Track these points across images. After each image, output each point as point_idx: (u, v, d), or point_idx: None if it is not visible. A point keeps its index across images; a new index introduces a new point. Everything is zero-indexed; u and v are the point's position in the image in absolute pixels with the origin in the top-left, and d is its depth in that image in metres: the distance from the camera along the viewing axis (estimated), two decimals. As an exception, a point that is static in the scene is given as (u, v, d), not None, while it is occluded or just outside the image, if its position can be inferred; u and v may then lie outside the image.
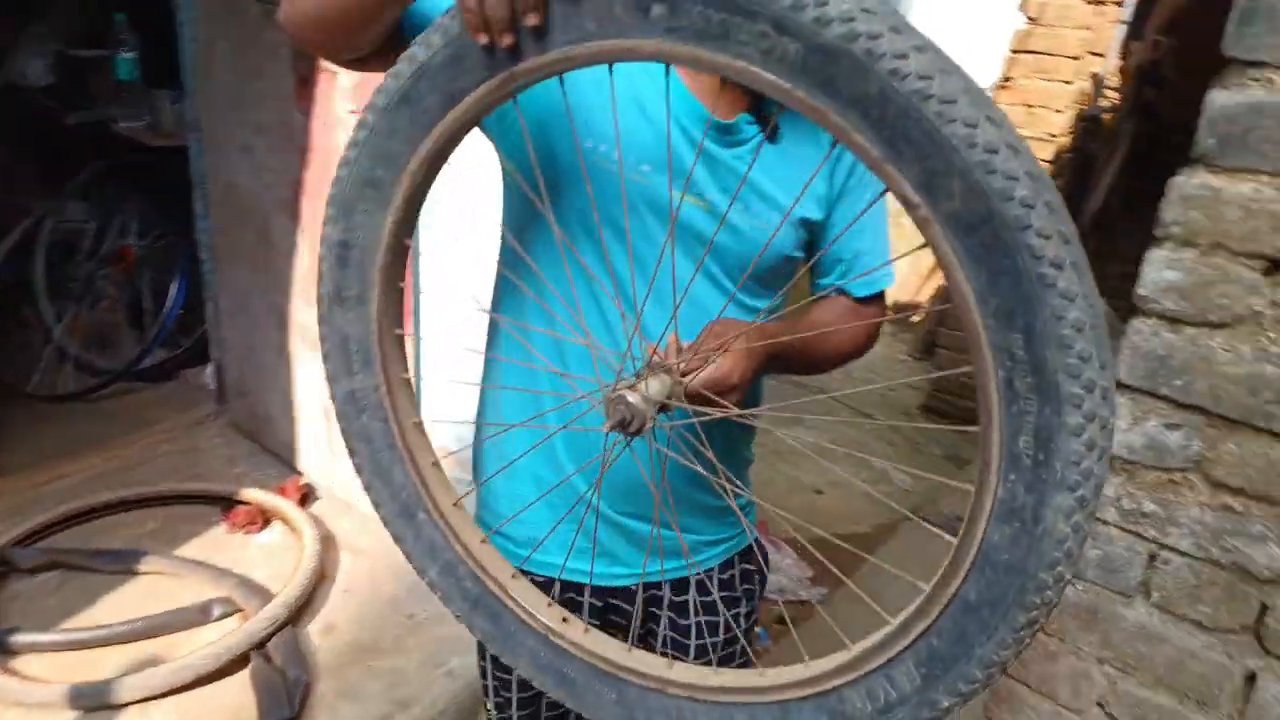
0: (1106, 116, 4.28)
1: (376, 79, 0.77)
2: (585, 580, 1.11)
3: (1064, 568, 0.62)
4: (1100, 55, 4.27)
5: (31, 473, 2.80)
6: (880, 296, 1.12)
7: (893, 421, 4.21)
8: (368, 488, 0.89)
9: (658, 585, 1.16)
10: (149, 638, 2.14)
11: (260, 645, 2.09)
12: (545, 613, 0.89)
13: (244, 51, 2.64)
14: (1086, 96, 4.31)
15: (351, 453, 0.88)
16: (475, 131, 0.78)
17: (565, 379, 1.01)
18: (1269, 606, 1.24)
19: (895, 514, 3.22)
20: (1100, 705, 1.45)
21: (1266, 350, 1.21)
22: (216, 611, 2.22)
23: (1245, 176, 1.19)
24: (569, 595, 1.12)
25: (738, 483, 1.03)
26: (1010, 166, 0.54)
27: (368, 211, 0.77)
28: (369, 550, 2.56)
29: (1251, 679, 1.27)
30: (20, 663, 2.03)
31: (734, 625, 1.17)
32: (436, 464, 0.88)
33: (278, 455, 3.04)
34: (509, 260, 1.07)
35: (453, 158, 0.78)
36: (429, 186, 0.78)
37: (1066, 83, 4.29)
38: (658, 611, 1.18)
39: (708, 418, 0.84)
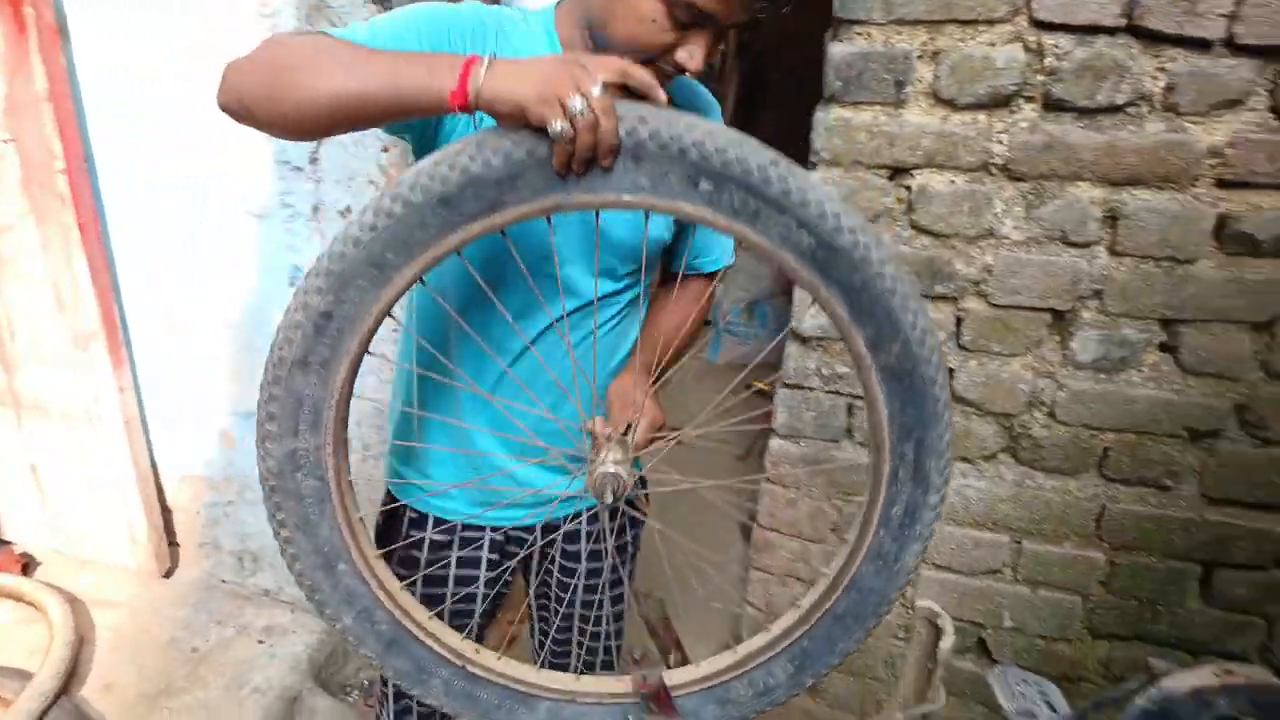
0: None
1: None
2: (486, 524, 1.20)
3: (906, 587, 0.94)
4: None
5: None
6: (720, 271, 1.30)
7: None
8: (286, 541, 0.89)
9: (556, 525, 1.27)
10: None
11: (41, 726, 1.89)
12: (460, 645, 0.99)
13: None
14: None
15: (276, 508, 0.88)
16: None
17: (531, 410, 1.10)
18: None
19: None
20: (833, 530, 1.85)
21: (900, 235, 1.62)
22: (-26, 710, 1.94)
23: (865, 108, 1.57)
24: (468, 534, 1.21)
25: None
26: (933, 340, 0.79)
27: (363, 289, 0.78)
28: (124, 601, 2.35)
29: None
30: None
31: (616, 557, 1.32)
32: (361, 519, 0.93)
33: (-29, 530, 2.62)
34: (423, 359, 1.09)
35: None
36: (428, 272, 0.80)
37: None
38: (553, 541, 1.29)
39: (663, 452, 1.09)
